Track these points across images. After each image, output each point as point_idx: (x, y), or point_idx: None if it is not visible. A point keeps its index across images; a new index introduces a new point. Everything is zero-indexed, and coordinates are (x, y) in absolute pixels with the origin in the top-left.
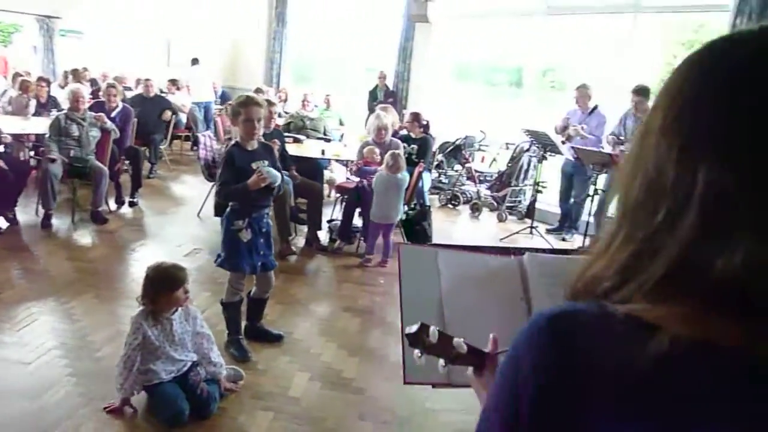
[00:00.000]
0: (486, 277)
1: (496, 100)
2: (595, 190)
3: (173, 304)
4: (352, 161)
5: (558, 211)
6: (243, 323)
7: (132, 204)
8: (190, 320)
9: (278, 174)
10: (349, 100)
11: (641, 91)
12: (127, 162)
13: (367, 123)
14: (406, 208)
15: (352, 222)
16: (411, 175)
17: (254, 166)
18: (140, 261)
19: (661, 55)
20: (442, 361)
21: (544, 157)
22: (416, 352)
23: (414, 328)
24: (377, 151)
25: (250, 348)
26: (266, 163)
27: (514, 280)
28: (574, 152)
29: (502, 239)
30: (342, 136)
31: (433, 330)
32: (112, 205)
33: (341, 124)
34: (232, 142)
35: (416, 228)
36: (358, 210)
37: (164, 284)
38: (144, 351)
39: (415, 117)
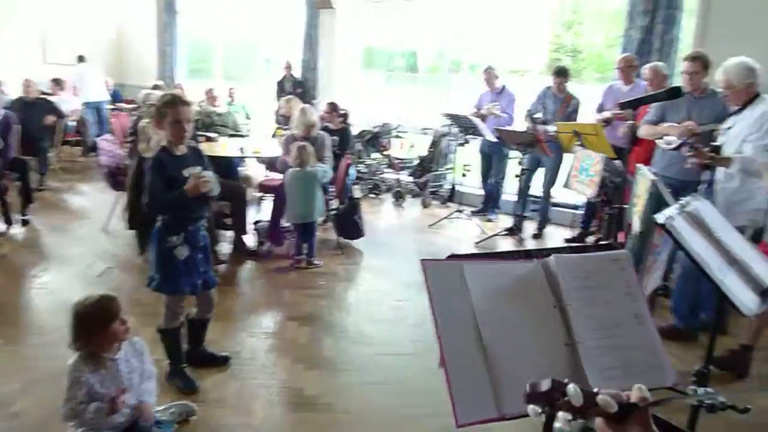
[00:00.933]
0: (515, 288)
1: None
2: (522, 170)
3: (112, 341)
4: (276, 157)
5: (481, 192)
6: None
7: (24, 222)
8: (137, 357)
9: (216, 180)
10: (253, 93)
11: (561, 72)
12: (14, 176)
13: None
14: (336, 203)
15: (280, 222)
16: (337, 168)
17: (186, 173)
18: (45, 289)
19: (546, 35)
20: (566, 416)
21: (466, 140)
22: (534, 408)
23: (545, 386)
24: (309, 147)
25: (195, 376)
26: (199, 168)
27: (543, 287)
28: (497, 133)
29: (431, 225)
30: (249, 130)
31: (574, 389)
32: (1, 227)
33: (248, 118)
34: (158, 147)
35: (348, 223)
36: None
37: (96, 320)
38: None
39: (333, 107)
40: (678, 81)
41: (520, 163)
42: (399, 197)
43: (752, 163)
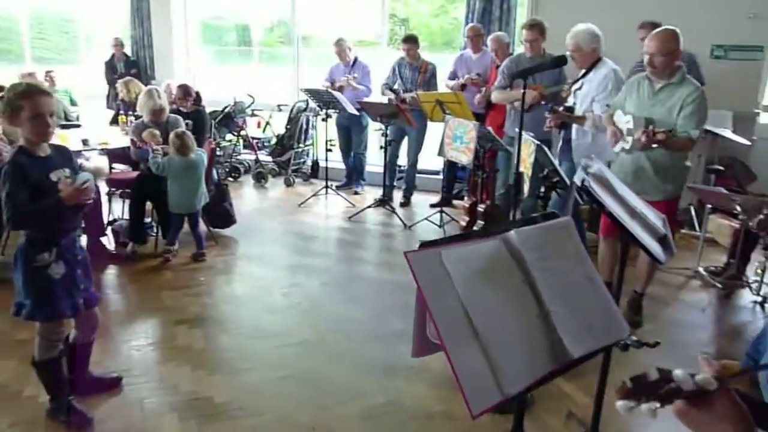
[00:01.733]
0: (487, 268)
1: (251, 62)
2: (389, 141)
3: None
4: (128, 148)
5: (343, 166)
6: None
7: None
8: None
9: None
10: (76, 76)
11: (410, 39)
12: None
13: (116, 100)
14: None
15: (143, 218)
16: None
17: (54, 177)
18: None
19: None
20: (654, 404)
21: (328, 115)
22: (626, 403)
23: (653, 376)
24: (157, 132)
25: (85, 408)
26: (68, 171)
27: (509, 264)
28: (359, 106)
29: (300, 204)
30: (78, 117)
31: (683, 374)
32: None
33: (74, 104)
34: (14, 147)
35: (218, 211)
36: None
37: None
38: None
39: (185, 90)
40: (520, 49)
41: (383, 135)
42: (261, 178)
43: (601, 119)
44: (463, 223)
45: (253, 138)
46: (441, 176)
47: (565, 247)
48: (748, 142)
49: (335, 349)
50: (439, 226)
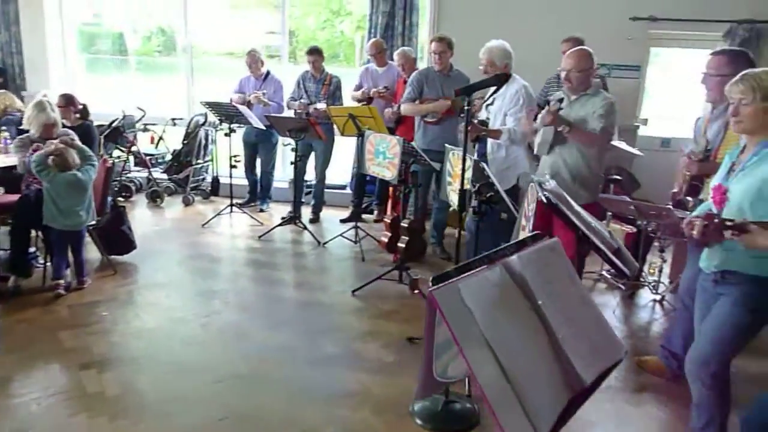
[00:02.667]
0: (498, 299)
1: (116, 70)
2: (298, 157)
3: None
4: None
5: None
6: None
7: None
8: None
9: None
10: None
11: (315, 51)
12: None
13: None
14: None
15: (27, 247)
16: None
17: None
18: None
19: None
20: None
21: (232, 130)
22: None
23: None
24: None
25: None
26: None
27: (515, 292)
28: (267, 121)
29: (204, 225)
30: None
31: None
32: None
33: None
34: None
35: (115, 236)
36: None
37: None
38: None
39: (69, 101)
40: (424, 63)
41: (293, 150)
42: (156, 197)
43: (515, 133)
44: (385, 239)
45: (146, 154)
46: (349, 190)
47: (560, 269)
48: (641, 153)
49: (270, 380)
50: (355, 242)
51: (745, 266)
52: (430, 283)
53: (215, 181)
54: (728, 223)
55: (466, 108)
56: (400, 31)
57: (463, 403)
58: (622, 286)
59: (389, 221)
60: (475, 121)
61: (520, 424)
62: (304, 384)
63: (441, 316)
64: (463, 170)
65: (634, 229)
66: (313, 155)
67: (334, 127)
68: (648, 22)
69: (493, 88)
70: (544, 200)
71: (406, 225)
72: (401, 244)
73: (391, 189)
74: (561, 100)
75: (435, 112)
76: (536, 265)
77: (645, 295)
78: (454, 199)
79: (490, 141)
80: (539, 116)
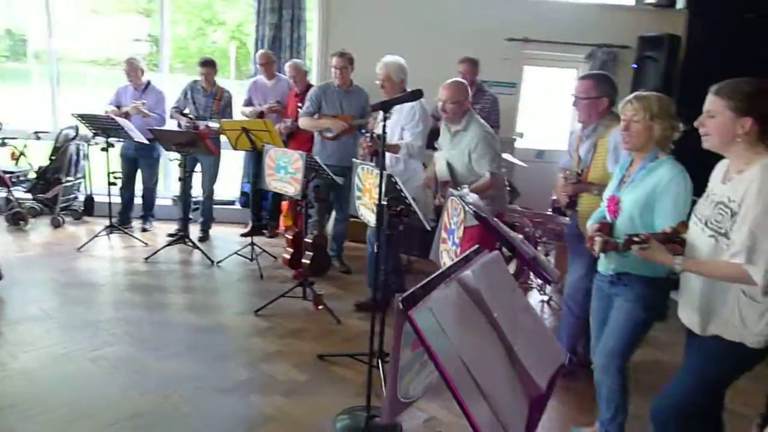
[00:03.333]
0: (460, 315)
1: None
2: (186, 172)
3: None
4: None
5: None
6: None
7: None
8: None
9: None
10: None
11: (209, 63)
12: None
13: None
14: None
15: None
16: None
17: None
18: None
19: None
20: None
21: (109, 144)
22: None
23: None
24: None
25: None
26: None
27: (471, 307)
28: (151, 134)
29: (80, 248)
30: None
31: None
32: None
33: None
34: None
35: None
36: None
37: None
38: None
39: None
40: (313, 76)
41: (180, 165)
42: (19, 220)
43: (413, 147)
44: (287, 256)
45: (5, 172)
46: (238, 206)
47: (505, 280)
48: (525, 165)
49: (177, 416)
50: (251, 260)
51: (638, 268)
52: (400, 305)
53: (89, 199)
54: (636, 239)
55: (383, 125)
56: (288, 44)
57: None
58: None
59: (291, 237)
60: (374, 136)
61: (490, 421)
62: (216, 415)
63: (418, 337)
64: (381, 185)
65: (521, 235)
66: (199, 170)
67: (222, 140)
68: (522, 43)
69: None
70: (471, 214)
71: (310, 240)
72: (306, 260)
73: (285, 204)
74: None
75: (332, 129)
76: (487, 279)
77: (533, 297)
78: (364, 213)
79: (388, 155)
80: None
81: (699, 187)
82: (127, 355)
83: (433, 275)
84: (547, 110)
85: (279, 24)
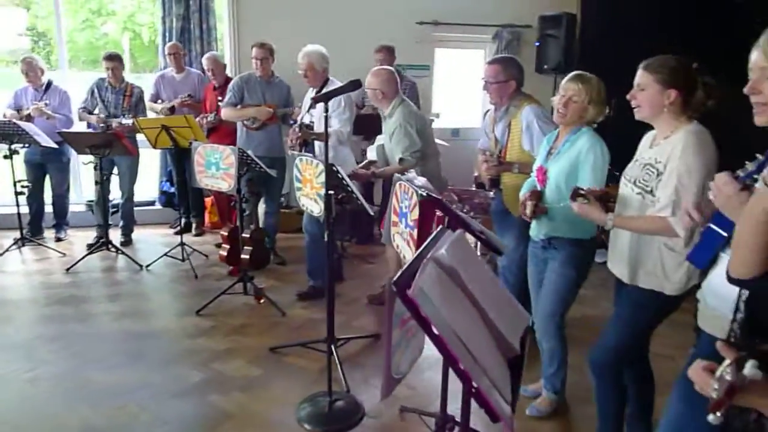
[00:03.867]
0: (443, 290)
1: None
2: (103, 175)
3: None
4: None
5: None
6: None
7: None
8: None
9: None
10: None
11: (115, 57)
12: None
13: None
14: None
15: None
16: None
17: None
18: None
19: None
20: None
21: (13, 151)
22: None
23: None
24: None
25: None
26: None
27: (450, 282)
28: (61, 137)
29: None
30: None
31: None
32: None
33: None
34: None
35: None
36: None
37: None
38: None
39: None
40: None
41: (96, 168)
42: None
43: (342, 134)
44: (224, 252)
45: None
46: (158, 206)
47: (471, 255)
48: (447, 144)
49: (138, 424)
50: (182, 260)
51: (567, 232)
52: (393, 287)
53: None
54: (581, 191)
55: (326, 115)
56: (198, 35)
57: (347, 400)
58: None
59: (227, 233)
60: (302, 126)
61: (496, 398)
62: (177, 419)
63: (417, 317)
64: (328, 175)
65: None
66: (115, 172)
67: (138, 138)
68: (432, 26)
69: (312, 92)
70: (424, 196)
71: (248, 235)
72: (245, 255)
73: (209, 201)
74: (309, 126)
75: (257, 118)
76: (458, 255)
77: None
78: (306, 203)
79: (317, 143)
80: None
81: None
82: (67, 372)
83: (412, 258)
84: (459, 90)
85: (186, 15)
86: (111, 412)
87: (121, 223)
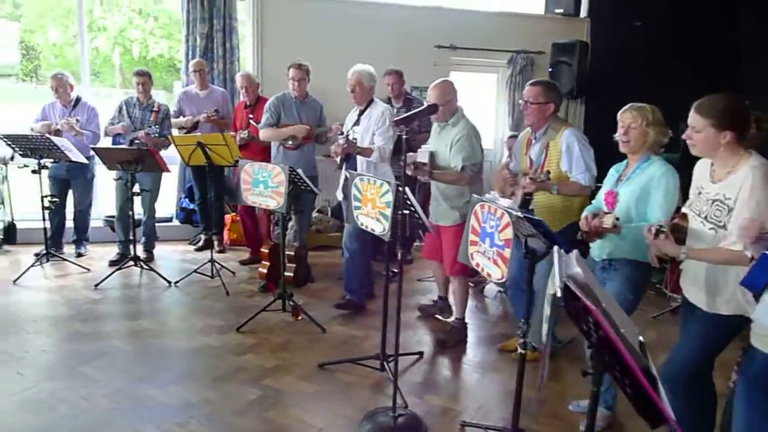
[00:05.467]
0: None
1: None
2: (131, 192)
3: None
4: None
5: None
6: None
7: None
8: None
9: None
10: None
11: (145, 73)
12: None
13: None
14: None
15: None
16: None
17: None
18: None
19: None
20: None
21: (43, 166)
22: None
23: None
24: None
25: None
26: None
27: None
28: (92, 152)
29: (16, 281)
30: None
31: None
32: None
33: None
34: None
35: None
36: None
37: None
38: None
39: None
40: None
41: (126, 184)
42: None
43: (384, 150)
44: (264, 270)
45: None
46: (176, 222)
47: (588, 275)
48: None
49: None
50: (212, 277)
51: (629, 253)
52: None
53: (11, 226)
54: (663, 229)
55: (404, 137)
56: (221, 54)
57: (408, 415)
58: (472, 284)
59: (268, 251)
60: (348, 139)
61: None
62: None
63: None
64: (405, 197)
65: None
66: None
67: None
68: (450, 50)
69: (356, 110)
70: (521, 217)
71: (292, 253)
72: (289, 273)
73: (230, 218)
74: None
75: (295, 137)
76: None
77: (490, 288)
78: (366, 222)
79: (359, 159)
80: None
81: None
82: (122, 387)
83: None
84: (473, 113)
85: (210, 34)
86: (174, 428)
87: (142, 240)
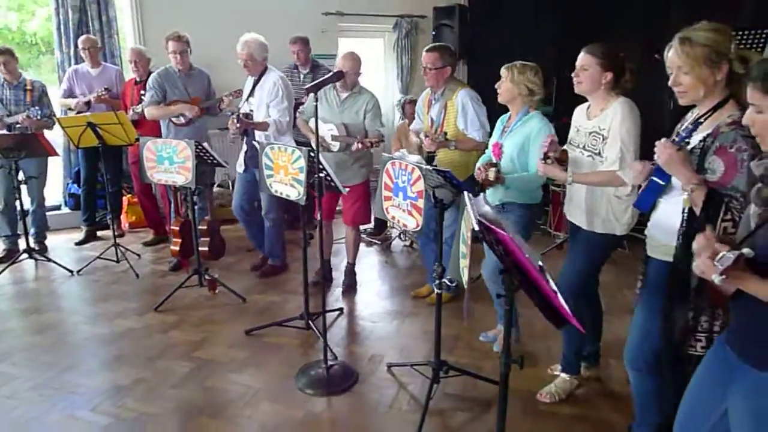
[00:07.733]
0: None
1: None
2: (18, 181)
3: None
4: None
5: None
6: None
7: None
8: None
9: None
10: None
11: (7, 51)
12: None
13: None
14: None
15: None
16: None
17: None
18: None
19: None
20: None
21: None
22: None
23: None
24: None
25: None
26: None
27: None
28: None
29: None
30: None
31: None
32: None
33: None
34: None
35: None
36: None
37: None
38: None
39: None
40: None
41: (11, 172)
42: None
43: (281, 123)
44: (176, 247)
45: None
46: (66, 209)
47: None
48: None
49: (143, 418)
50: (117, 261)
51: (518, 197)
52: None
53: None
54: (549, 155)
55: (315, 105)
56: (97, 28)
57: (340, 365)
58: (378, 242)
59: (178, 227)
60: (240, 116)
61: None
62: (186, 405)
63: (503, 241)
64: (318, 161)
65: None
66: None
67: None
68: (337, 17)
69: (251, 81)
70: (432, 171)
71: (205, 226)
72: (204, 247)
73: (126, 200)
74: (248, 116)
75: (185, 114)
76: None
77: (396, 244)
78: (281, 189)
79: (258, 133)
80: (424, 144)
81: None
82: (47, 382)
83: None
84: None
85: (83, 6)
86: (112, 409)
87: (32, 231)
